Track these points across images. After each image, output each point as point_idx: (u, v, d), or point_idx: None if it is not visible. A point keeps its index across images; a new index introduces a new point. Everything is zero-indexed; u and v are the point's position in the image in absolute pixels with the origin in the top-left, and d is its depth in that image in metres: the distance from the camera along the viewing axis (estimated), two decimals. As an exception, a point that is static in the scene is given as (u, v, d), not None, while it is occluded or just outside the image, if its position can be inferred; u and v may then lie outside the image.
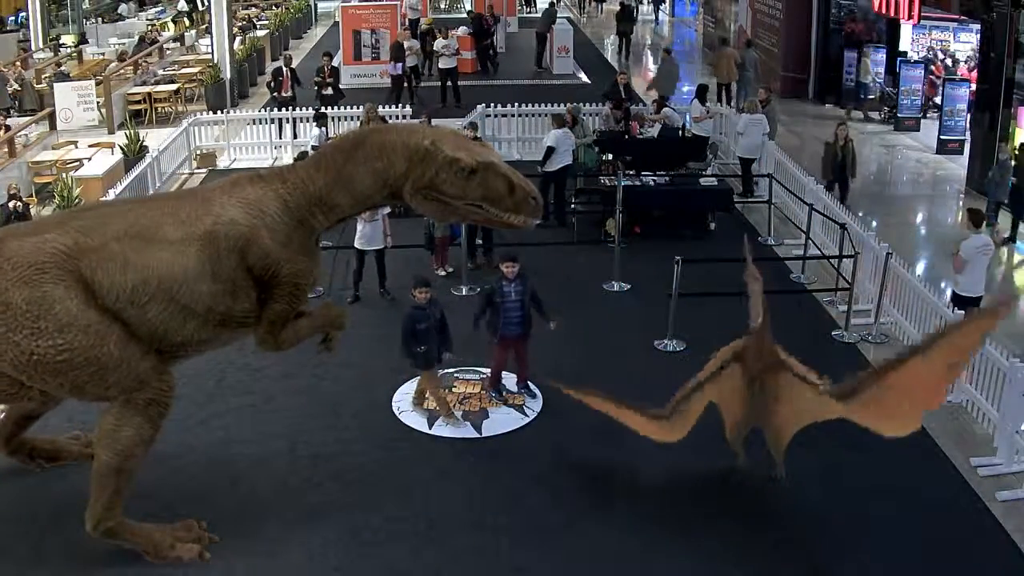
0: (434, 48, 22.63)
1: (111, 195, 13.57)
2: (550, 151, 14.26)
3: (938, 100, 19.35)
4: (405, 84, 21.68)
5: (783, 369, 7.63)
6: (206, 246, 7.11)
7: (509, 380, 9.94)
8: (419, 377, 9.52)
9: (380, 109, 18.46)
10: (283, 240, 7.31)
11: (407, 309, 9.41)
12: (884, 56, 21.36)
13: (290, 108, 18.68)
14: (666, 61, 21.28)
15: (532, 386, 9.78)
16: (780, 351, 7.74)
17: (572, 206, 14.81)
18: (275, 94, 19.62)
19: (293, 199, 7.36)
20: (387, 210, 11.86)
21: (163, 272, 7.01)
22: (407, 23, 26.29)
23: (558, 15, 27.82)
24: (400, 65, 21.62)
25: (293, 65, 20.60)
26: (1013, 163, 14.22)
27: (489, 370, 10.00)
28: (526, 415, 9.47)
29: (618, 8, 29.80)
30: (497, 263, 12.68)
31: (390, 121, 17.09)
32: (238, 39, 25.53)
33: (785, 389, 7.67)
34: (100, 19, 34.26)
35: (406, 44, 22.24)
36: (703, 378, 7.90)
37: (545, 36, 26.23)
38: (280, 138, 18.47)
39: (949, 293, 10.67)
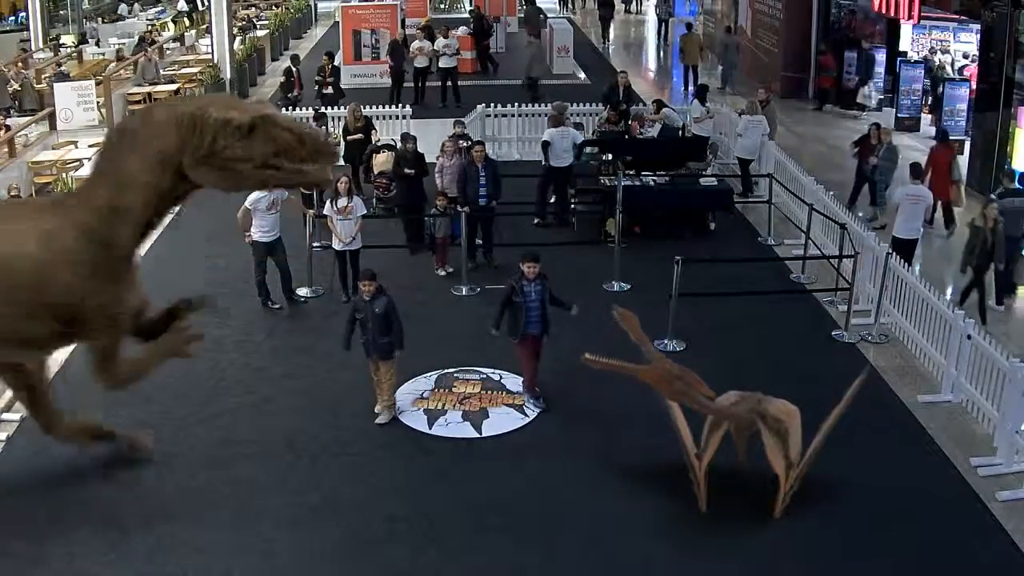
0: (433, 48, 22.62)
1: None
2: (546, 145, 14.39)
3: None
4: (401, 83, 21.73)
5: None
6: (1, 271, 6.82)
7: (511, 380, 9.94)
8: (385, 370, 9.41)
9: (380, 109, 18.49)
10: (88, 271, 6.89)
11: (354, 299, 9.55)
12: (884, 56, 21.36)
13: (293, 108, 18.68)
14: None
15: (537, 391, 9.72)
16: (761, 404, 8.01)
17: (573, 206, 14.80)
18: (289, 94, 19.65)
19: (89, 222, 6.88)
20: (362, 211, 11.86)
21: None
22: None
23: (557, 14, 27.95)
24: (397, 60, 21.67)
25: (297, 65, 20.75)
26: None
27: (488, 370, 10.01)
28: (526, 415, 9.46)
29: None
30: (498, 263, 12.77)
31: (378, 123, 17.09)
32: (238, 39, 25.51)
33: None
34: (100, 19, 34.26)
35: (416, 45, 22.23)
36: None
37: (538, 36, 26.31)
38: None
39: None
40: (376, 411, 9.35)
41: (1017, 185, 13.76)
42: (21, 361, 7.80)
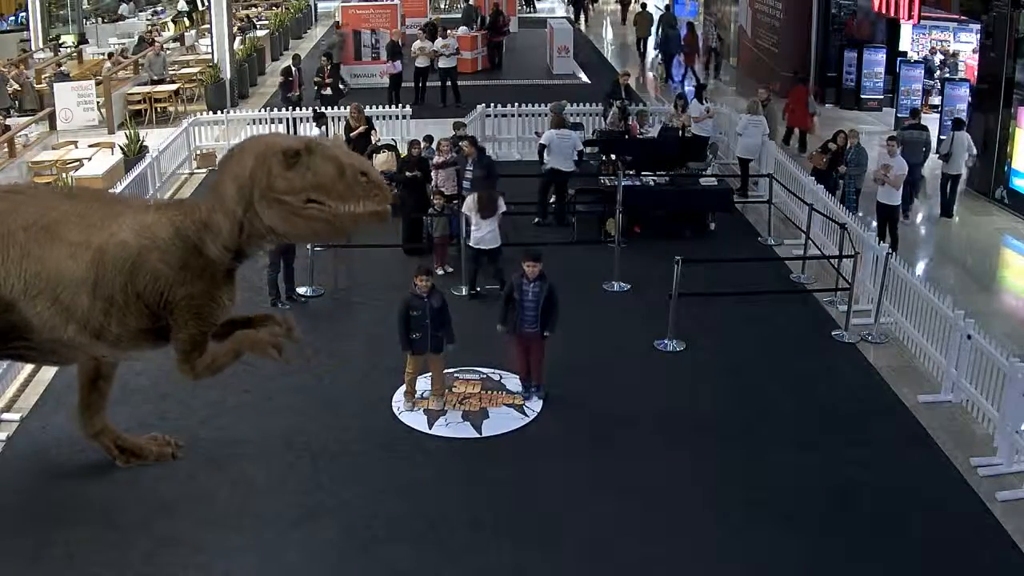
0: (434, 48, 22.60)
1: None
2: (542, 148, 14.47)
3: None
4: (401, 84, 21.69)
5: None
6: (96, 260, 6.96)
7: (511, 380, 9.94)
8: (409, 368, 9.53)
9: (380, 109, 18.48)
10: (177, 264, 7.01)
11: (405, 295, 9.46)
12: (884, 56, 21.37)
13: (294, 108, 18.68)
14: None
15: (542, 389, 9.72)
16: None
17: (568, 203, 14.79)
18: (289, 94, 19.68)
19: (184, 225, 7.01)
20: None
21: (53, 269, 6.95)
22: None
23: (558, 15, 28.08)
24: (399, 63, 21.63)
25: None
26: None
27: (488, 370, 10.03)
28: (526, 415, 9.46)
29: None
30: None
31: (378, 123, 17.07)
32: (238, 39, 25.51)
33: None
34: (100, 19, 34.26)
35: (417, 45, 22.18)
36: None
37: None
38: (280, 138, 18.44)
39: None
40: (412, 406, 9.50)
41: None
42: (103, 355, 7.86)
